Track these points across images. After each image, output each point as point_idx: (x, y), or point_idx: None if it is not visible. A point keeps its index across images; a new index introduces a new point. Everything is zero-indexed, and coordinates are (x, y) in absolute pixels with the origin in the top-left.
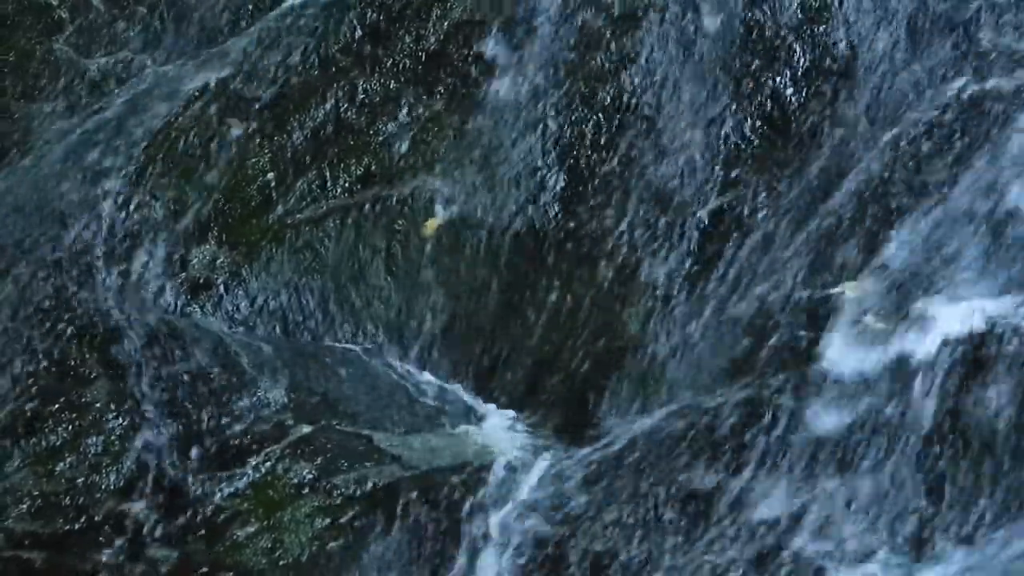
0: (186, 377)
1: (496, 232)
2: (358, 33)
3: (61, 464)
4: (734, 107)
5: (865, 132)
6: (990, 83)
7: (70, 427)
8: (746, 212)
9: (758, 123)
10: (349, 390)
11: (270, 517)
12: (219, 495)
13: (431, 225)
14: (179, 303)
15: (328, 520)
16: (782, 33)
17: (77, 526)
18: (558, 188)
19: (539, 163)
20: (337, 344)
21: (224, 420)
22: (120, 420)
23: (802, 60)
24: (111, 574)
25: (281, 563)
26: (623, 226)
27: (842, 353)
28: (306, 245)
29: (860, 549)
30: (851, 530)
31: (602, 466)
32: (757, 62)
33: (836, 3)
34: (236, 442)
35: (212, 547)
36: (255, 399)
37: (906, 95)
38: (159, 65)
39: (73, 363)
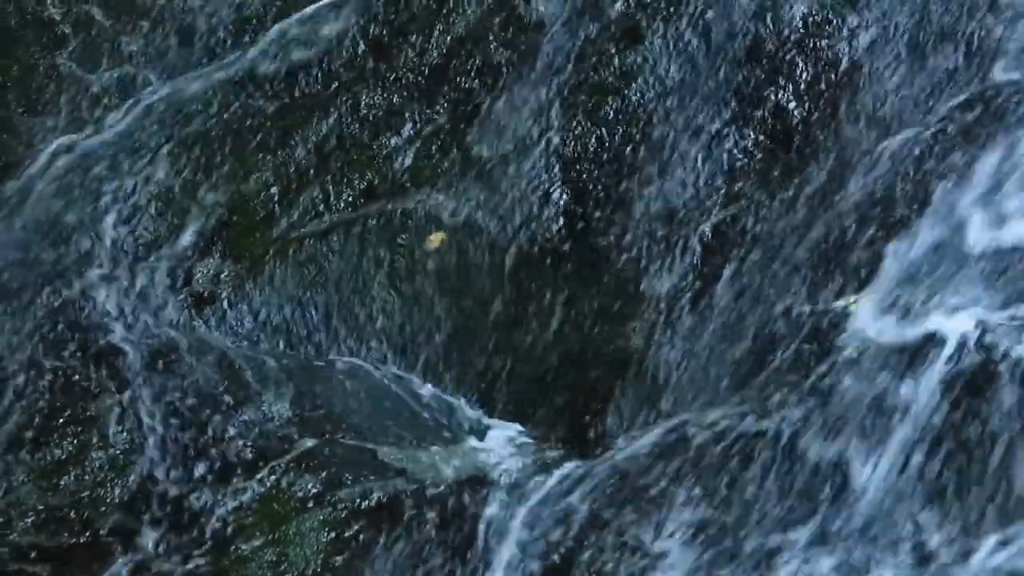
0: (190, 391)
1: (500, 246)
2: (361, 47)
3: (66, 478)
4: (737, 121)
5: (868, 145)
6: (992, 96)
7: (75, 441)
8: (749, 226)
9: (761, 137)
10: (353, 404)
11: (275, 531)
12: (224, 509)
13: (435, 239)
14: (183, 317)
15: (333, 534)
16: (785, 47)
17: (82, 540)
18: (561, 202)
19: (542, 177)
20: (341, 358)
21: (228, 434)
22: (124, 434)
23: (804, 74)
24: None
25: None
26: (626, 240)
27: (845, 366)
28: (310, 259)
29: (862, 560)
30: (853, 541)
31: (607, 479)
32: (760, 76)
33: (838, 17)
34: (241, 456)
35: (217, 561)
36: (259, 413)
37: (909, 108)
38: (162, 79)
39: (77, 377)
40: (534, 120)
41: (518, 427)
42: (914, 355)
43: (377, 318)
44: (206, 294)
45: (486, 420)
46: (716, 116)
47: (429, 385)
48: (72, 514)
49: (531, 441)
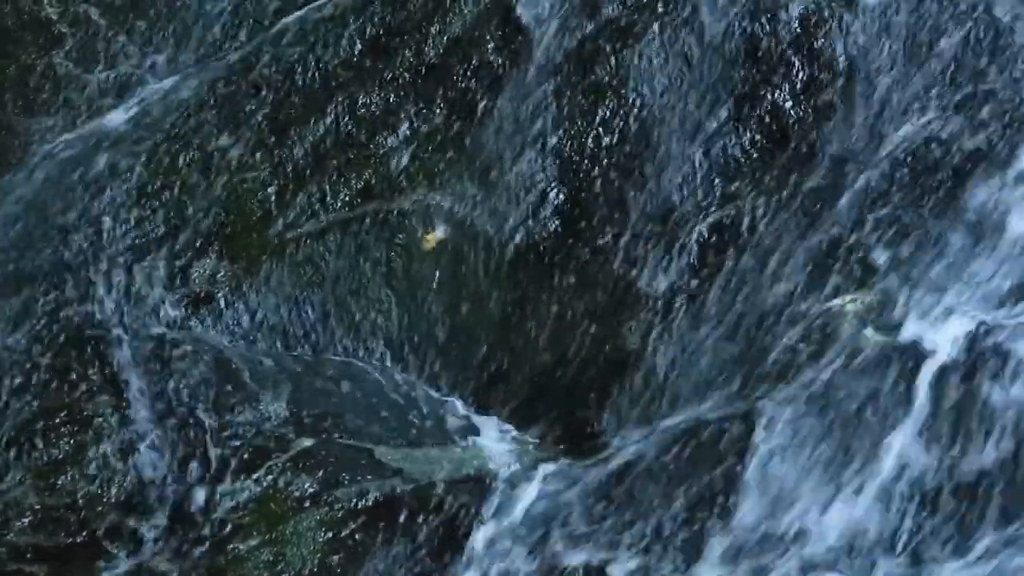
0: (187, 391)
1: (496, 246)
2: (358, 47)
3: (63, 478)
4: (733, 121)
5: (864, 146)
6: (989, 96)
7: (72, 441)
8: (745, 226)
9: (757, 137)
10: (350, 404)
11: (272, 530)
12: (221, 508)
13: (431, 239)
14: (180, 317)
15: (330, 533)
16: (781, 47)
17: (79, 539)
18: (558, 202)
19: (539, 177)
20: (338, 358)
21: (225, 434)
22: (121, 434)
23: (801, 74)
24: None
25: None
26: (623, 239)
27: (841, 367)
28: (306, 259)
29: (858, 561)
30: (849, 541)
31: (602, 479)
32: (756, 76)
33: (834, 18)
34: (238, 456)
35: (214, 560)
36: (256, 413)
37: (905, 109)
38: (159, 79)
39: (74, 377)
40: (531, 120)
41: (514, 427)
42: (911, 354)
43: (374, 318)
44: (203, 294)
45: (482, 420)
46: (712, 116)
47: (426, 385)
48: (69, 514)
49: (527, 441)
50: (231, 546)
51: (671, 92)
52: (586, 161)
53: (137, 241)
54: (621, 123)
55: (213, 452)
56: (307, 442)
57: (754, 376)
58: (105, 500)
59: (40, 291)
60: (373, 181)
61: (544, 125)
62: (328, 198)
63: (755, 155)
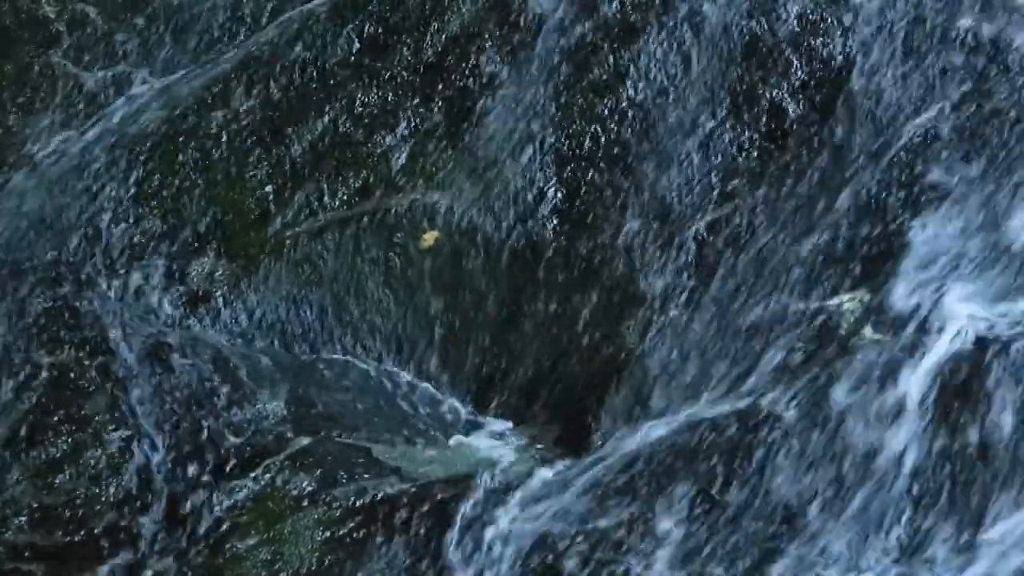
0: (185, 390)
1: (494, 244)
2: (356, 46)
3: (61, 476)
4: (732, 119)
5: (863, 144)
6: (988, 94)
7: (70, 439)
8: (744, 224)
9: (756, 135)
10: (348, 402)
11: (270, 529)
12: (219, 507)
13: (429, 238)
14: (178, 316)
15: (328, 532)
16: (780, 46)
17: (77, 538)
18: (556, 201)
19: (537, 176)
20: (336, 356)
21: (223, 432)
22: (120, 432)
23: (799, 72)
24: None
25: (281, 575)
26: (621, 238)
27: (840, 365)
28: (304, 258)
29: (856, 559)
30: (847, 540)
31: (599, 478)
32: (755, 74)
33: (833, 16)
34: (236, 454)
35: (212, 559)
36: (254, 411)
37: (904, 106)
38: (157, 77)
39: (72, 376)
40: (529, 119)
41: (512, 425)
42: (909, 353)
43: (372, 317)
44: (201, 292)
45: (480, 418)
46: (711, 115)
47: (424, 383)
48: (67, 513)
49: (525, 439)
50: (229, 545)
51: (669, 91)
52: (584, 160)
53: (136, 240)
54: (619, 122)
55: (211, 451)
56: (305, 440)
57: (753, 375)
58: (103, 499)
59: (39, 290)
60: (371, 180)
61: (542, 124)
62: (326, 197)
63: (753, 153)
